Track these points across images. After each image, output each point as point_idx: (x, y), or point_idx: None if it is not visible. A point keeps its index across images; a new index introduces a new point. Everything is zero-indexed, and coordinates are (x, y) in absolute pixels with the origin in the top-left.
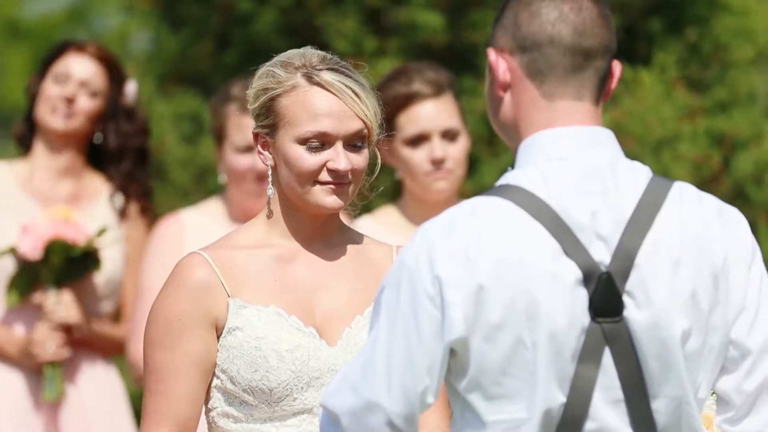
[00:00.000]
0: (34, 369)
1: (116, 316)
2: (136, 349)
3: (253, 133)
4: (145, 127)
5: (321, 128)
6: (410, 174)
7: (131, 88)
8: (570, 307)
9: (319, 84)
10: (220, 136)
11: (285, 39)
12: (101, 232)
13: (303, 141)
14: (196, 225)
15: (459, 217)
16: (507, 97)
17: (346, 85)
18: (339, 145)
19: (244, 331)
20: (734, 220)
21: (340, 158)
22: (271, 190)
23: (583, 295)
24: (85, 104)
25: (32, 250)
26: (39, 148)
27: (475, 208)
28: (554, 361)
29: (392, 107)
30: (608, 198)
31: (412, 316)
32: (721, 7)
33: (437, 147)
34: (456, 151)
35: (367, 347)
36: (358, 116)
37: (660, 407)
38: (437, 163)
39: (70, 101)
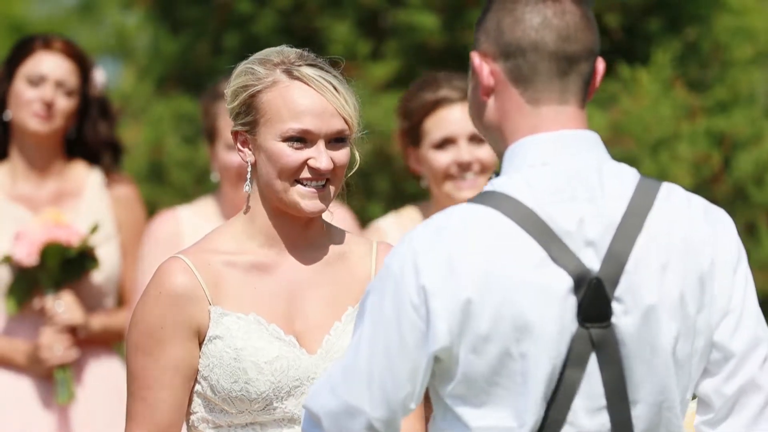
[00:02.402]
0: (43, 374)
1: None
2: None
3: (232, 131)
4: (115, 117)
5: (303, 126)
6: (435, 179)
7: (100, 76)
8: (560, 316)
9: (299, 78)
10: (212, 135)
11: (283, 41)
12: (94, 229)
13: (285, 138)
14: (192, 223)
15: (444, 225)
16: (491, 102)
17: (326, 80)
18: (321, 143)
19: (224, 341)
20: (721, 221)
21: (321, 157)
22: (248, 187)
23: (572, 303)
24: (63, 104)
25: (28, 256)
26: (17, 152)
27: (460, 217)
28: (545, 369)
29: (420, 114)
30: (596, 203)
31: (395, 324)
32: (721, 6)
33: (464, 150)
34: (484, 154)
35: (349, 352)
36: (340, 113)
37: (640, 413)
38: (463, 167)
39: (49, 104)
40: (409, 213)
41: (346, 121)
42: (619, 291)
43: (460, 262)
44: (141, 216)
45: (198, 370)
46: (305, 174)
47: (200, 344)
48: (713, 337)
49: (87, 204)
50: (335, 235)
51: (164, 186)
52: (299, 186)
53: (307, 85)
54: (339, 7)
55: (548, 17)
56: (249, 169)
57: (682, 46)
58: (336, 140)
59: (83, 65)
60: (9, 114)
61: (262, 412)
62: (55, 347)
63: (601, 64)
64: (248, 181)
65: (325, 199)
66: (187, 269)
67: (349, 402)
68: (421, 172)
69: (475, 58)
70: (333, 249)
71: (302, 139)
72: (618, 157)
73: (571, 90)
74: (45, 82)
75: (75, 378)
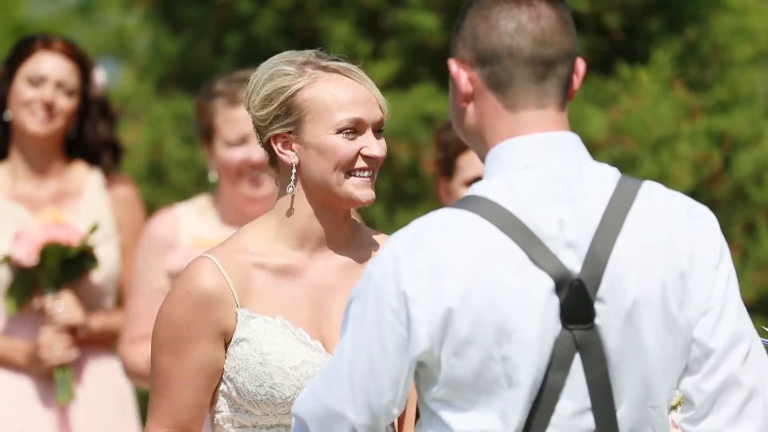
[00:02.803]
0: (43, 374)
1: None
2: (126, 347)
3: (270, 136)
4: (115, 118)
5: (356, 115)
6: None
7: (100, 76)
8: (541, 318)
9: (336, 71)
10: (209, 134)
11: (283, 41)
12: (93, 229)
13: (339, 130)
14: (190, 220)
15: (425, 231)
16: (470, 108)
17: (358, 71)
18: (370, 131)
19: (250, 344)
20: (703, 218)
21: (374, 144)
22: (291, 188)
23: (555, 304)
24: (64, 105)
25: (27, 256)
26: (17, 152)
27: (441, 222)
28: (528, 372)
29: (455, 149)
30: (576, 204)
31: (375, 331)
32: (720, 6)
33: None
34: None
35: (333, 358)
36: (378, 102)
37: (625, 413)
38: None
39: (49, 105)
40: None
41: (381, 110)
42: (601, 291)
43: (442, 268)
44: (141, 216)
45: (223, 370)
46: (359, 164)
47: (226, 345)
48: (693, 334)
49: (87, 204)
50: (365, 235)
51: (164, 186)
52: (352, 177)
53: (346, 76)
54: (339, 7)
55: (523, 22)
56: (293, 171)
57: (681, 46)
58: (377, 132)
59: (83, 65)
60: (9, 114)
61: (287, 415)
62: (55, 347)
63: (581, 65)
64: (291, 183)
65: (373, 188)
66: (216, 270)
67: (332, 408)
68: (448, 204)
69: (453, 66)
70: (362, 251)
71: (354, 129)
72: (618, 156)
73: (550, 93)
74: (45, 83)
75: (75, 378)
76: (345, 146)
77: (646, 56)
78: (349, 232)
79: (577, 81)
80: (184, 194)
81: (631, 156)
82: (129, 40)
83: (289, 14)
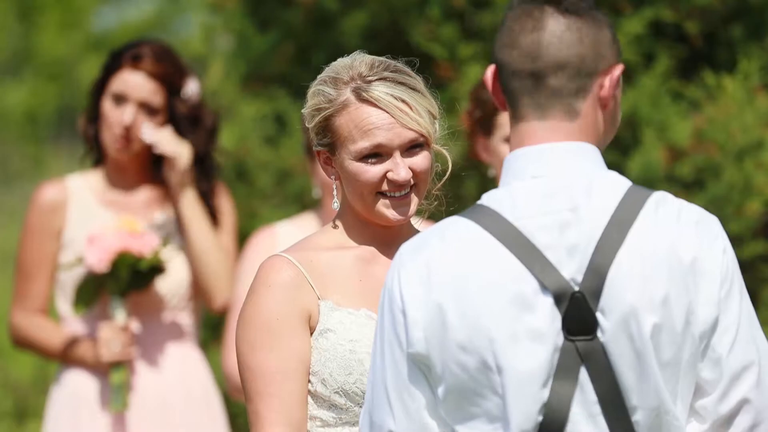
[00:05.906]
0: (104, 371)
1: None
2: (231, 361)
3: (315, 150)
4: (211, 128)
5: (375, 141)
6: None
7: (192, 87)
8: (537, 328)
9: (367, 101)
10: (312, 151)
11: (370, 40)
12: (166, 242)
13: (360, 158)
14: (290, 238)
15: (429, 238)
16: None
17: (395, 97)
18: (397, 155)
19: (336, 334)
20: (711, 232)
21: (398, 169)
22: (336, 204)
23: (551, 316)
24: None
25: (99, 262)
26: (110, 160)
27: (444, 231)
28: (525, 382)
29: (492, 106)
30: (578, 214)
31: (392, 333)
32: None
33: None
34: None
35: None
36: (411, 128)
37: (640, 419)
38: None
39: (128, 128)
40: None
41: (420, 125)
42: (603, 303)
43: (434, 272)
44: (232, 217)
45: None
46: (386, 186)
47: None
48: (708, 353)
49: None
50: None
51: (245, 186)
52: (382, 198)
53: (376, 107)
54: (425, 8)
55: (515, 33)
56: (335, 185)
57: (764, 53)
58: (413, 147)
59: (171, 82)
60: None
61: None
62: (113, 344)
63: (617, 70)
64: (335, 198)
65: (410, 205)
66: (290, 263)
67: (374, 419)
68: (489, 161)
69: (487, 72)
70: None
71: (377, 153)
72: (701, 164)
73: (547, 105)
74: (127, 103)
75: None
76: (367, 171)
77: (727, 63)
78: (408, 232)
79: (607, 87)
80: (264, 195)
81: (713, 164)
82: (214, 38)
83: (376, 13)
